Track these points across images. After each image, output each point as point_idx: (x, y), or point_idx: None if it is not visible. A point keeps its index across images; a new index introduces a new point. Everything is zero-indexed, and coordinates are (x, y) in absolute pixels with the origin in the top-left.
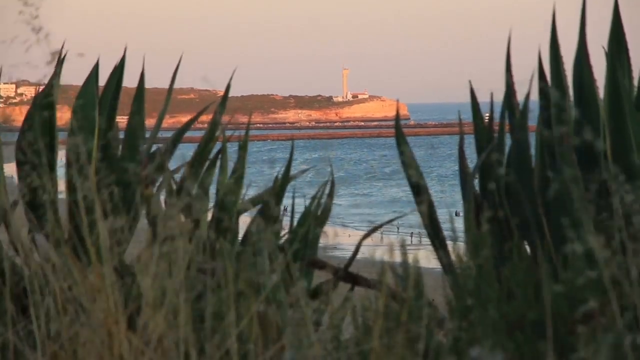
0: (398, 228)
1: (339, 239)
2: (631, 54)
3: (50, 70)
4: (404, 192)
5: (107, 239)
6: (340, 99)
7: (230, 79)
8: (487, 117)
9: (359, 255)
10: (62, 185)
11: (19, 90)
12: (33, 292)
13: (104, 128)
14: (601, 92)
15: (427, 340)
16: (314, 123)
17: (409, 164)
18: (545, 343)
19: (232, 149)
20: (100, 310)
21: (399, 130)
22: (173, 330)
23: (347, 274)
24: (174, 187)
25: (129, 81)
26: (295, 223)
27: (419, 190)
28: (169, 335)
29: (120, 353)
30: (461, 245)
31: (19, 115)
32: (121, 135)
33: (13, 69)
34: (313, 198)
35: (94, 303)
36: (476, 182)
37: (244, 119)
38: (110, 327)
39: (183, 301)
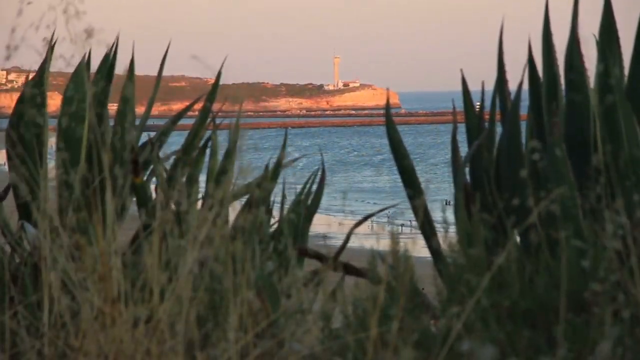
0: (388, 217)
1: (329, 227)
2: (622, 42)
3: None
4: (394, 180)
5: (116, 223)
6: (331, 87)
7: (221, 66)
8: (478, 106)
9: (350, 244)
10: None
11: (10, 77)
12: (28, 279)
13: (94, 115)
14: (592, 81)
15: (419, 330)
16: (304, 111)
17: (399, 152)
18: (535, 332)
19: (223, 136)
20: (103, 297)
21: (388, 118)
22: (174, 320)
23: (337, 262)
24: (165, 175)
25: (119, 67)
26: (285, 211)
27: (409, 179)
28: (170, 324)
29: (120, 340)
30: (452, 234)
31: (9, 102)
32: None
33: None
34: (303, 186)
35: (97, 289)
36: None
37: (235, 107)
38: (112, 314)
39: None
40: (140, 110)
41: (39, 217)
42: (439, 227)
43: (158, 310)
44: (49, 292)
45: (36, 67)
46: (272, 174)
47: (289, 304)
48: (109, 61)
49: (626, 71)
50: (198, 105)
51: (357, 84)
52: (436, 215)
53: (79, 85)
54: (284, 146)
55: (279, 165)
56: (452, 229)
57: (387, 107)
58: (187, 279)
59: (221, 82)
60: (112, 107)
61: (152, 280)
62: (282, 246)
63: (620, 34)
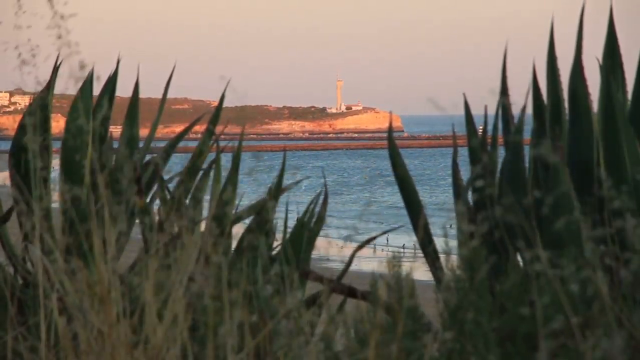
0: (387, 240)
1: (331, 250)
2: (625, 67)
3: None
4: (396, 203)
5: (113, 247)
6: (334, 110)
7: (225, 89)
8: (480, 129)
9: (352, 267)
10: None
11: (13, 99)
12: (31, 301)
13: (97, 138)
14: (595, 106)
15: (420, 353)
16: (307, 134)
17: (402, 176)
18: (536, 356)
19: (226, 159)
20: (103, 320)
21: (391, 142)
22: (173, 342)
23: (339, 285)
24: (168, 197)
25: (122, 90)
26: (288, 234)
27: (411, 202)
28: (169, 346)
29: None
30: (454, 258)
31: (12, 124)
32: (115, 145)
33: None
34: (306, 209)
35: (97, 312)
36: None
37: (237, 129)
38: (112, 338)
39: (182, 312)
40: (142, 132)
41: (34, 239)
42: (441, 251)
43: (154, 332)
44: (47, 313)
45: (39, 89)
46: (274, 195)
47: (289, 326)
48: (111, 84)
49: (629, 95)
50: (199, 128)
51: (360, 107)
52: (438, 238)
53: (82, 107)
54: (283, 168)
55: (280, 187)
56: (454, 252)
57: (390, 130)
58: (181, 300)
59: (224, 104)
60: (115, 130)
61: (148, 302)
62: (284, 269)
63: (624, 58)
